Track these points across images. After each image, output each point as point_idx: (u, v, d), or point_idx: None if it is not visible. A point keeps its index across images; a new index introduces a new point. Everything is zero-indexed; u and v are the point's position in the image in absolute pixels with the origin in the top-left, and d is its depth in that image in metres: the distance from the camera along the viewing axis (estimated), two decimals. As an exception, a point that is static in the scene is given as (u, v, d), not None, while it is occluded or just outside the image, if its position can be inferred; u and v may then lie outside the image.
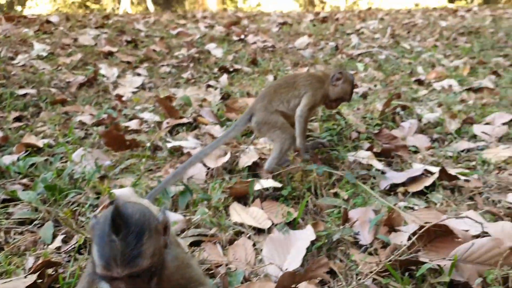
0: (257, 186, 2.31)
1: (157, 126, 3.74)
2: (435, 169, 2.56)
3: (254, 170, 2.63)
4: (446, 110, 3.94)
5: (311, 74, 2.82)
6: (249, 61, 6.46)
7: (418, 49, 8.06)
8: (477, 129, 3.46)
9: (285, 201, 2.32)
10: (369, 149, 2.91)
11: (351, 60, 6.98)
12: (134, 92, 5.05)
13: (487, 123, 3.59)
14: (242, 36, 7.66)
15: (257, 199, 2.31)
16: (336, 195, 2.36)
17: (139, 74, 5.66)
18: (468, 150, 3.21)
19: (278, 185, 2.33)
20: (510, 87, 5.19)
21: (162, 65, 6.04)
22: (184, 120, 3.73)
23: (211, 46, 6.80)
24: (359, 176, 2.63)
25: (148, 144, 3.20)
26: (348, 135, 3.15)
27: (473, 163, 2.95)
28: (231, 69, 5.93)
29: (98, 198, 2.43)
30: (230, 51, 6.86)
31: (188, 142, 3.21)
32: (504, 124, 3.57)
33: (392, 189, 2.54)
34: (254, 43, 7.49)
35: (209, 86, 5.19)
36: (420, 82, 5.65)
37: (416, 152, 3.19)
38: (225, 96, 4.74)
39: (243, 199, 2.37)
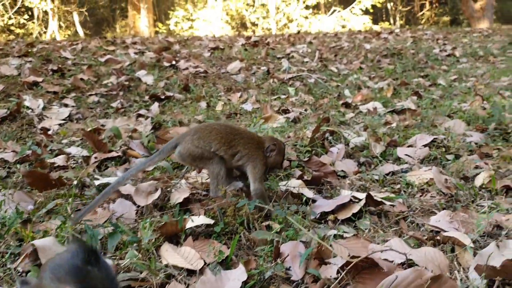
0: (189, 224, 2.28)
1: (84, 161, 3.61)
2: (362, 195, 2.65)
3: (186, 205, 2.59)
4: (371, 133, 4.10)
5: (251, 138, 2.76)
6: (181, 87, 6.43)
7: (344, 71, 8.38)
8: (400, 151, 3.63)
9: (218, 237, 2.30)
10: (300, 177, 2.96)
11: (283, 84, 7.11)
12: (61, 124, 4.86)
13: (410, 146, 3.77)
14: (174, 62, 7.62)
15: (190, 237, 2.28)
16: (269, 227, 2.37)
17: (66, 105, 5.46)
18: (393, 173, 3.35)
19: (210, 221, 2.31)
20: (430, 108, 5.51)
21: (90, 95, 5.86)
22: (113, 154, 3.63)
23: (141, 73, 6.70)
24: (292, 203, 2.66)
25: (75, 182, 3.07)
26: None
27: (398, 186, 3.08)
28: (162, 97, 5.87)
29: (20, 245, 2.29)
30: (161, 77, 6.79)
31: (117, 178, 3.12)
32: (425, 146, 3.77)
33: (323, 217, 2.59)
34: (186, 68, 7.47)
35: (139, 115, 5.10)
36: (347, 105, 5.86)
37: (344, 176, 3.29)
38: (156, 126, 4.67)
39: (175, 237, 2.32)
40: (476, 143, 3.91)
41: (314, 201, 2.74)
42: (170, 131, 4.02)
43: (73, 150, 3.79)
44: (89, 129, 4.30)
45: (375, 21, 31.68)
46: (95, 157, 3.56)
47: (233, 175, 2.83)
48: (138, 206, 2.67)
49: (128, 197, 2.81)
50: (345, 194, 2.72)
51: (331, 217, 2.53)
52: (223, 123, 3.39)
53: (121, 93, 5.97)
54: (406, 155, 3.57)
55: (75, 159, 3.66)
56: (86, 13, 28.28)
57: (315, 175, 2.99)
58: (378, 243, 2.22)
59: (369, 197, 2.63)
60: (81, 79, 6.31)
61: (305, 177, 3.01)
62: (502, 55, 11.08)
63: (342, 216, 2.54)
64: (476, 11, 26.91)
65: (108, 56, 7.42)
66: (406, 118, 4.91)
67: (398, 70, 8.83)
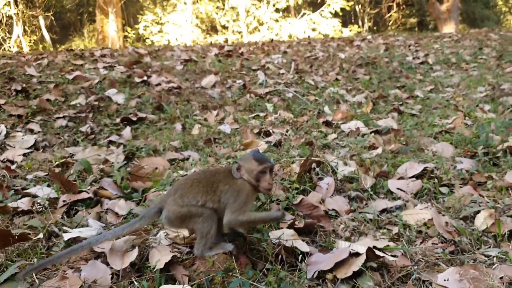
0: (173, 298, 2.01)
1: (51, 204, 3.28)
2: (361, 249, 2.43)
3: (168, 270, 2.32)
4: (359, 161, 3.90)
5: (228, 171, 2.47)
6: (154, 106, 6.12)
7: (321, 84, 8.21)
8: (392, 185, 3.44)
9: (206, 312, 2.03)
10: (291, 225, 2.72)
11: (260, 100, 6.89)
12: (25, 154, 4.49)
13: (400, 177, 3.59)
14: (145, 77, 7.28)
15: (174, 311, 2.01)
16: (262, 296, 2.12)
17: (31, 130, 5.09)
18: (387, 211, 3.16)
19: (197, 293, 2.05)
20: (414, 127, 5.37)
21: (58, 117, 5.49)
22: (84, 195, 3.31)
23: (111, 92, 6.34)
24: (285, 263, 2.42)
25: (40, 235, 2.76)
26: (268, 208, 2.95)
27: (395, 229, 2.88)
28: (134, 119, 5.55)
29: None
30: (132, 95, 6.45)
31: (88, 229, 2.81)
32: (416, 177, 3.59)
33: (320, 276, 2.35)
34: (159, 84, 7.15)
35: (110, 142, 4.78)
36: (328, 123, 5.68)
37: (336, 216, 3.08)
38: (129, 155, 4.36)
39: (157, 311, 2.05)
40: (467, 171, 3.77)
41: (309, 254, 2.51)
42: (145, 166, 3.72)
43: (39, 191, 3.44)
44: (56, 164, 3.96)
45: (344, 24, 31.85)
46: (64, 201, 3.23)
47: (223, 232, 2.55)
48: (112, 268, 2.38)
49: (101, 255, 2.51)
50: (343, 247, 2.49)
51: (329, 276, 2.30)
52: (201, 170, 3.15)
53: (90, 115, 5.61)
54: (398, 189, 3.38)
55: (41, 201, 3.32)
56: (52, 18, 27.35)
57: (308, 223, 2.76)
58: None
59: (369, 250, 2.41)
60: (48, 99, 5.92)
61: (297, 223, 2.77)
62: (474, 61, 11.16)
63: (341, 274, 2.31)
64: (442, 12, 27.36)
65: (77, 73, 7.02)
66: (391, 140, 4.74)
67: (374, 82, 8.74)
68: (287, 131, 5.26)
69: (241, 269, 2.23)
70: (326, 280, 2.31)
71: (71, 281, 2.28)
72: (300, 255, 2.48)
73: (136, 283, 2.26)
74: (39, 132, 5.11)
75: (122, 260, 2.38)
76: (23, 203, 3.25)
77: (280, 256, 2.44)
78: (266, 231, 2.67)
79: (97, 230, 2.81)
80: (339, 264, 2.34)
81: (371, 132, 5.08)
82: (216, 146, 4.64)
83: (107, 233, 2.38)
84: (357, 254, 2.41)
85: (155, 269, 2.28)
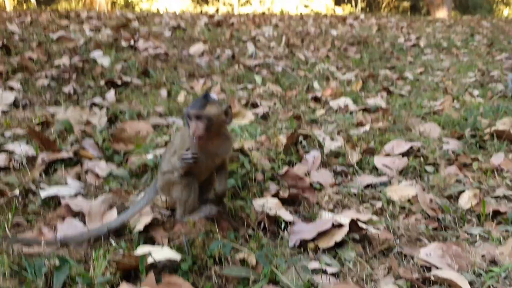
0: (151, 260, 1.95)
1: (30, 162, 3.18)
2: (345, 220, 2.39)
3: (147, 232, 2.25)
4: (346, 137, 3.86)
5: None
6: (139, 71, 5.97)
7: (312, 60, 8.11)
8: (377, 161, 3.41)
9: (185, 274, 1.98)
10: (276, 195, 2.67)
11: (249, 71, 6.78)
12: (4, 112, 4.35)
13: (387, 154, 3.55)
14: (132, 42, 7.10)
15: (151, 273, 1.95)
16: (243, 262, 2.07)
17: (11, 88, 4.92)
18: (372, 186, 3.13)
19: (177, 256, 1.98)
20: (402, 107, 5.33)
21: (40, 77, 5.33)
22: (64, 155, 3.21)
23: (97, 54, 6.18)
24: (268, 230, 2.38)
25: (17, 192, 2.67)
26: (252, 177, 2.90)
27: (379, 203, 2.85)
28: (119, 82, 5.41)
29: None
30: (118, 59, 6.30)
31: (66, 188, 2.73)
32: (402, 154, 3.56)
33: (302, 245, 2.31)
34: (146, 49, 6.99)
35: (93, 104, 4.65)
36: (316, 99, 5.61)
37: (321, 189, 3.04)
38: (112, 118, 4.25)
39: (135, 272, 1.99)
40: (453, 152, 3.74)
41: (291, 223, 2.47)
42: (127, 129, 3.62)
43: (17, 147, 3.33)
44: (36, 122, 3.84)
45: (337, 2, 31.53)
46: (42, 159, 3.13)
47: (205, 197, 2.49)
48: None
49: (79, 215, 2.44)
50: (326, 218, 2.45)
51: (311, 245, 2.26)
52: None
53: (74, 76, 5.46)
54: (384, 165, 3.35)
55: (20, 158, 3.22)
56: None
57: (293, 193, 2.71)
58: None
59: (352, 222, 2.37)
60: (30, 58, 5.75)
61: (281, 193, 2.72)
62: (464, 47, 11.13)
63: (323, 244, 2.28)
64: (435, -2, 27.18)
65: (61, 33, 6.82)
66: (379, 118, 4.70)
67: (365, 61, 8.67)
68: (274, 104, 5.18)
69: (223, 233, 2.18)
70: (308, 249, 2.27)
71: (47, 239, 2.21)
72: (283, 224, 2.44)
73: (114, 244, 2.19)
74: (19, 90, 4.95)
75: (100, 221, 2.32)
76: (0, 159, 3.15)
77: (262, 224, 2.39)
78: (249, 199, 2.62)
79: (75, 189, 2.73)
80: (321, 234, 2.31)
81: (359, 110, 5.02)
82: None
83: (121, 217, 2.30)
84: (340, 226, 2.38)
85: (134, 230, 2.22)
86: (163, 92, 5.28)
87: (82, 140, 3.48)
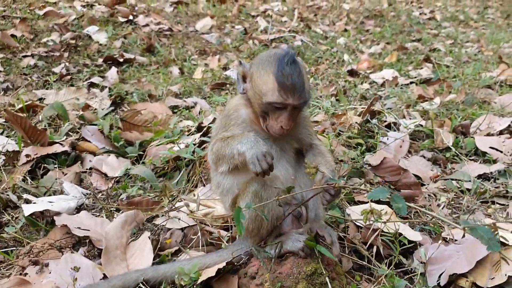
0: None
1: (10, 160, 2.31)
2: (509, 236, 1.54)
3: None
4: (422, 113, 3.01)
5: None
6: (143, 48, 5.09)
7: (331, 33, 7.27)
8: (480, 142, 2.54)
9: None
10: (379, 200, 1.81)
11: (265, 47, 5.92)
12: (-20, 97, 3.47)
13: (488, 134, 2.69)
14: (131, 17, 6.18)
15: None
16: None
17: (-9, 70, 4.04)
18: (485, 177, 2.28)
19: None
20: (460, 79, 4.49)
21: (25, 56, 4.43)
22: (57, 149, 2.34)
23: (91, 30, 5.27)
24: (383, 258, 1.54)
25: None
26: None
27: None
28: (121, 60, 4.53)
29: None
30: (116, 35, 5.40)
31: (62, 198, 1.87)
32: (507, 131, 2.72)
33: (450, 283, 1.47)
34: (147, 25, 6.09)
35: (92, 84, 3.77)
36: (351, 73, 4.78)
37: (422, 184, 2.19)
38: (117, 100, 3.38)
39: None
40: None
41: (420, 244, 1.62)
42: (142, 111, 2.75)
43: (-6, 140, 2.46)
44: (19, 107, 2.96)
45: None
46: (27, 155, 2.26)
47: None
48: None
49: (83, 244, 1.59)
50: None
51: (465, 283, 1.42)
52: None
53: (65, 54, 4.57)
54: (491, 147, 2.49)
55: (-3, 155, 2.35)
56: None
57: (407, 195, 1.85)
58: None
59: None
60: (13, 35, 4.83)
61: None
62: (481, 20, 10.46)
63: (481, 280, 1.43)
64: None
65: (48, 8, 5.88)
66: (439, 91, 3.87)
67: (387, 34, 7.86)
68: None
69: (332, 273, 1.33)
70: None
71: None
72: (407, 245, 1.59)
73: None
74: (0, 71, 4.06)
75: (125, 263, 1.44)
76: (-31, 158, 2.28)
77: (375, 248, 1.54)
78: (343, 207, 1.76)
79: (76, 199, 1.86)
80: (478, 264, 1.46)
81: (410, 83, 4.20)
82: (230, 93, 3.69)
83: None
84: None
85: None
86: (175, 70, 4.40)
87: (81, 129, 2.61)
